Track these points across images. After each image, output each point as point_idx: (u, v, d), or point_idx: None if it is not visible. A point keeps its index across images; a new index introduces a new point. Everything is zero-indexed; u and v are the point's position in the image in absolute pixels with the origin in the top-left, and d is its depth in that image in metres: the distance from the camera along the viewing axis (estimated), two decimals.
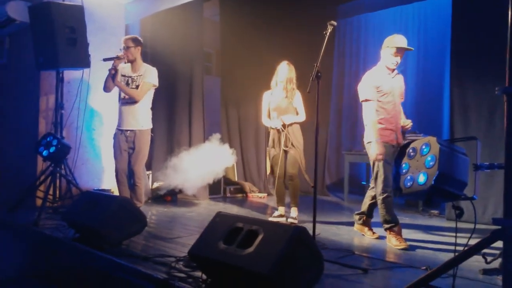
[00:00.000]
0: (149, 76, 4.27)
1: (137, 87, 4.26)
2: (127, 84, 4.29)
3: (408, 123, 3.73)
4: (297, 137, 4.50)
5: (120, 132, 4.32)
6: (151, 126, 4.40)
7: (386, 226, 3.57)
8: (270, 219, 4.56)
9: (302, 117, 4.55)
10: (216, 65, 8.33)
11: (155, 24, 6.48)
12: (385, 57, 3.68)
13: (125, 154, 4.29)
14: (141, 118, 4.28)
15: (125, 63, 4.28)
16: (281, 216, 4.60)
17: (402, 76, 3.82)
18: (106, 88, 4.32)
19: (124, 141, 4.29)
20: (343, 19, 7.63)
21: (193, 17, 6.26)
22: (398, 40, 3.62)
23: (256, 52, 6.71)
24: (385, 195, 3.52)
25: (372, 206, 3.82)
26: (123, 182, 4.33)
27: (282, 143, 4.46)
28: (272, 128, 4.58)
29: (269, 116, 4.66)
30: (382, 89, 3.60)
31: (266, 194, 6.60)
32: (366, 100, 3.62)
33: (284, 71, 4.55)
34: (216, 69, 8.31)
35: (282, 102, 4.54)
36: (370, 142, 3.59)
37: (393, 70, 3.69)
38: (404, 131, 3.75)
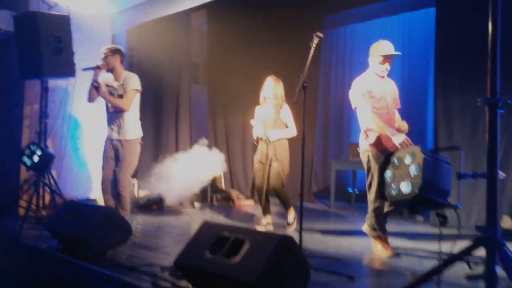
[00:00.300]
0: (130, 83, 4.26)
1: (119, 96, 4.25)
2: (111, 94, 4.29)
3: (404, 126, 3.59)
4: (281, 151, 4.48)
5: (108, 141, 4.32)
6: (139, 135, 4.36)
7: (373, 233, 3.58)
8: (257, 227, 4.55)
9: (291, 131, 4.51)
10: (203, 74, 8.35)
11: (142, 34, 6.48)
12: (373, 66, 3.61)
13: (111, 162, 4.27)
14: (128, 127, 4.26)
15: (106, 71, 4.28)
16: (268, 224, 4.59)
17: (393, 81, 3.77)
18: (90, 99, 4.31)
19: (111, 149, 4.28)
20: (330, 30, 7.73)
21: (181, 27, 6.28)
22: (384, 47, 3.54)
23: (243, 61, 6.75)
24: (377, 204, 3.52)
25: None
26: (108, 191, 4.30)
27: (267, 156, 4.44)
28: (260, 139, 4.57)
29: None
30: (374, 94, 3.52)
31: (253, 202, 6.59)
32: (357, 107, 3.57)
33: (270, 86, 4.56)
34: (204, 79, 8.32)
35: (270, 116, 4.55)
36: (366, 150, 3.52)
37: (383, 77, 3.63)
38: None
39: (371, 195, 3.48)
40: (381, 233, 3.54)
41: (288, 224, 4.49)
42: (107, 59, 4.25)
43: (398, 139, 3.19)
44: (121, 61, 4.34)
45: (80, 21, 5.23)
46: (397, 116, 3.74)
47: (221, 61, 6.89)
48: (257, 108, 4.73)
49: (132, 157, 4.30)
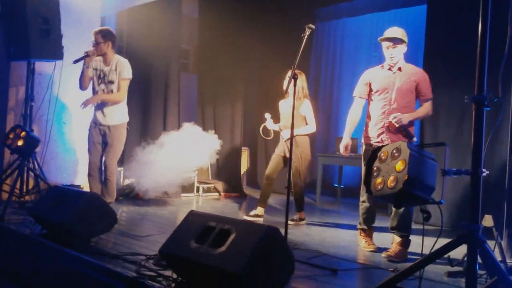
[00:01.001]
0: (123, 72, 4.24)
1: (110, 82, 4.20)
2: (99, 78, 4.23)
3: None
4: (300, 147, 4.49)
5: (94, 125, 4.29)
6: (126, 120, 4.36)
7: (358, 226, 3.64)
8: (245, 217, 4.57)
9: (309, 128, 4.55)
10: (193, 62, 8.28)
11: (131, 18, 6.39)
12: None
13: (98, 147, 4.26)
14: (115, 112, 4.24)
15: (96, 57, 4.25)
16: (257, 216, 4.60)
17: (416, 71, 3.48)
18: (82, 87, 4.31)
19: (98, 134, 4.25)
20: (322, 23, 7.71)
21: (171, 13, 6.20)
22: (384, 33, 3.50)
23: (234, 51, 6.71)
24: (362, 198, 3.57)
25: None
26: (95, 176, 4.29)
27: (282, 148, 4.55)
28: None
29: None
30: (373, 87, 3.52)
31: (239, 194, 6.60)
32: (354, 97, 3.63)
33: (287, 79, 4.58)
34: (193, 66, 8.25)
35: (289, 110, 4.57)
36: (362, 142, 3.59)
37: (394, 65, 3.45)
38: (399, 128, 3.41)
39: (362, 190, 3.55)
40: (365, 228, 3.59)
41: (292, 219, 4.50)
42: (99, 46, 4.20)
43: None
44: (112, 46, 4.28)
45: (68, 2, 5.11)
46: (420, 108, 3.52)
47: (211, 49, 6.83)
48: (280, 101, 4.79)
49: (119, 142, 4.29)
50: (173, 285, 2.34)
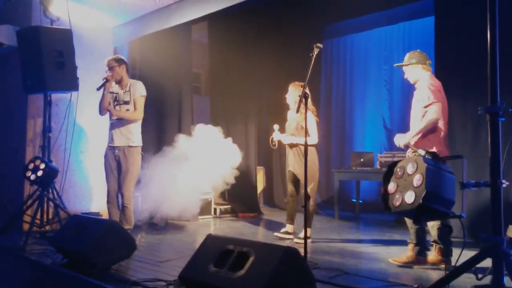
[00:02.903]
0: (137, 90, 4.38)
1: (125, 102, 4.34)
2: (115, 100, 4.36)
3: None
4: (303, 159, 4.48)
5: (110, 150, 4.34)
6: (141, 144, 4.40)
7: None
8: (275, 234, 4.54)
9: (310, 139, 4.43)
10: (205, 85, 8.39)
11: (143, 47, 6.53)
12: None
13: (115, 173, 4.32)
14: (131, 134, 4.30)
15: (115, 83, 4.38)
16: (287, 233, 4.57)
17: (419, 89, 3.63)
18: (101, 112, 4.39)
19: (113, 159, 4.31)
20: (330, 40, 7.77)
21: (182, 39, 6.33)
22: None
23: (244, 72, 6.79)
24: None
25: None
26: (113, 203, 4.32)
27: (290, 163, 4.60)
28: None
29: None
30: None
31: (256, 214, 6.57)
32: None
33: (289, 92, 4.67)
34: (205, 89, 8.37)
35: (292, 122, 4.62)
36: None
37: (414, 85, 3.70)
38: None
39: None
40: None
41: (296, 236, 4.47)
42: (114, 70, 4.34)
43: None
44: (127, 70, 4.45)
45: (82, 34, 5.27)
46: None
47: (222, 71, 6.93)
48: (288, 112, 4.86)
49: (135, 167, 4.32)
50: None
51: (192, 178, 5.21)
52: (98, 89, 4.32)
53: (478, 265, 2.09)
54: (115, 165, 4.30)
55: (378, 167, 6.00)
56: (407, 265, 3.41)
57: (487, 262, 2.05)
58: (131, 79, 4.50)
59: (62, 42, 4.58)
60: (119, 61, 4.40)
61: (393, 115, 7.17)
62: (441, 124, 3.43)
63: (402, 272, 3.28)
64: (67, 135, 5.03)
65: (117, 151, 4.29)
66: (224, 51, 6.85)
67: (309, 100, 4.59)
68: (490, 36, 2.04)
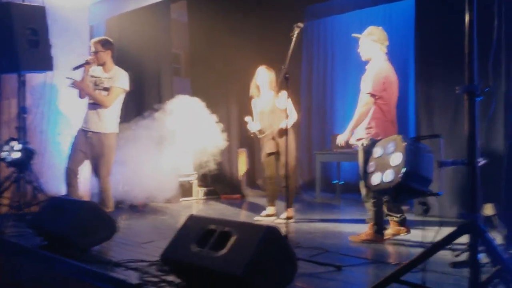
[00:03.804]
0: (119, 81, 4.20)
1: (104, 89, 4.17)
2: (95, 84, 4.21)
3: None
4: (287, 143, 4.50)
5: (82, 132, 4.22)
6: (117, 131, 4.31)
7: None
8: (256, 218, 4.55)
9: (292, 118, 4.47)
10: (185, 66, 8.26)
11: (121, 26, 6.35)
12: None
13: (80, 155, 4.19)
14: (107, 120, 4.20)
15: (96, 66, 4.23)
16: (268, 215, 4.59)
17: (373, 66, 3.72)
18: (81, 95, 4.25)
19: (84, 142, 4.19)
20: (311, 21, 7.71)
21: (161, 18, 6.19)
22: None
23: (225, 53, 6.71)
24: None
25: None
26: (74, 185, 4.20)
27: (268, 146, 4.56)
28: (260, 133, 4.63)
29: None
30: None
31: (239, 195, 6.59)
32: None
33: (263, 73, 4.57)
34: (185, 71, 8.24)
35: (266, 105, 4.56)
36: None
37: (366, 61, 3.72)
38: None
39: None
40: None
41: (278, 217, 4.50)
42: (98, 54, 4.17)
43: None
44: (111, 55, 4.27)
45: (56, 12, 5.07)
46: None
47: (202, 52, 6.82)
48: (252, 101, 4.77)
49: (111, 152, 4.26)
50: None
51: (173, 157, 5.16)
52: (75, 69, 4.16)
53: (455, 242, 2.15)
54: (86, 147, 4.18)
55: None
56: (366, 242, 3.54)
57: (464, 240, 2.11)
58: (116, 66, 4.33)
59: (35, 20, 4.44)
60: (105, 45, 4.21)
61: None
62: (385, 109, 3.54)
63: (381, 250, 3.35)
64: (43, 117, 4.91)
65: (90, 134, 4.18)
66: (204, 31, 6.74)
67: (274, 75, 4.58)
68: (468, 16, 2.06)
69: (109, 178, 4.27)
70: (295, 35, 3.28)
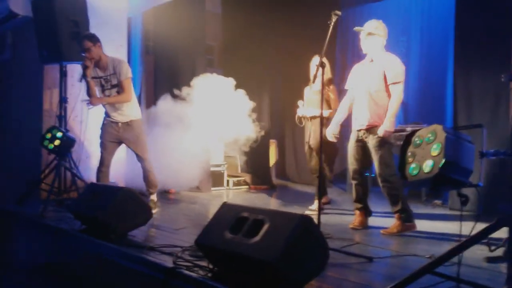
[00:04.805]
0: (123, 73, 4.10)
1: (113, 86, 4.14)
2: (102, 85, 4.16)
3: None
4: (316, 132, 4.53)
5: (110, 122, 4.21)
6: (140, 116, 4.34)
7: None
8: (307, 212, 4.53)
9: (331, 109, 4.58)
10: (218, 57, 8.32)
11: (157, 17, 6.47)
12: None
13: (112, 146, 4.23)
14: (129, 110, 4.21)
15: (94, 66, 4.09)
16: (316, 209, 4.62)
17: (389, 58, 3.73)
18: (91, 103, 4.14)
19: (113, 132, 4.19)
20: (347, 9, 7.58)
21: (195, 10, 6.24)
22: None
23: (258, 43, 6.69)
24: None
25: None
26: (106, 171, 4.22)
27: (307, 135, 4.68)
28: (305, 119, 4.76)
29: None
30: (352, 79, 3.88)
31: (268, 186, 6.61)
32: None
33: (312, 66, 4.61)
34: (218, 62, 8.30)
35: (313, 95, 4.62)
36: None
37: (367, 55, 3.80)
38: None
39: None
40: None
41: (309, 210, 4.51)
42: (90, 51, 4.01)
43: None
44: (102, 48, 4.13)
45: (96, 4, 5.22)
46: (391, 94, 3.73)
47: (235, 42, 6.83)
48: (306, 88, 4.85)
49: (143, 134, 4.31)
50: (209, 274, 2.38)
51: (206, 146, 5.21)
52: (80, 80, 4.08)
53: (492, 236, 2.09)
54: (115, 137, 4.20)
55: (392, 140, 5.95)
56: (399, 234, 3.55)
57: (501, 234, 2.05)
58: (110, 56, 4.20)
59: (77, 12, 4.58)
60: (93, 39, 4.03)
61: (409, 87, 7.04)
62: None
63: (414, 243, 3.30)
64: (82, 106, 5.08)
65: (120, 124, 4.19)
66: (238, 22, 6.74)
67: (328, 69, 4.58)
68: None
69: (149, 160, 4.31)
70: (332, 23, 3.23)
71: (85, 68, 4.04)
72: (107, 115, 4.27)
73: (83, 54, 4.03)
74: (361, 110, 3.74)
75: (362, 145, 3.76)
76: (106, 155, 4.23)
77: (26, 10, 4.91)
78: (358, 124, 3.76)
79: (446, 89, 6.26)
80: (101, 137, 4.27)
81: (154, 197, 4.38)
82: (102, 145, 4.26)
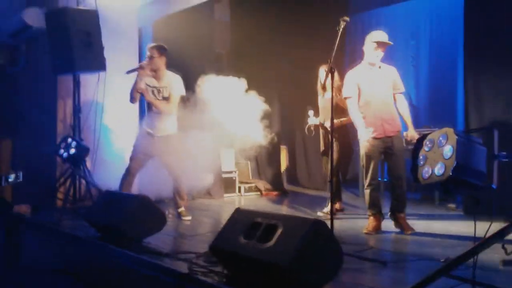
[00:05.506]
0: (176, 88, 4.22)
1: (164, 98, 4.22)
2: (153, 94, 4.25)
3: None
4: (340, 138, 4.69)
5: (147, 135, 4.22)
6: (177, 132, 4.39)
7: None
8: (319, 213, 4.60)
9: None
10: (227, 65, 8.38)
11: (167, 27, 6.55)
12: (367, 53, 3.91)
13: (143, 158, 4.23)
14: (170, 123, 4.28)
15: (149, 71, 4.21)
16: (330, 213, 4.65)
17: (392, 67, 3.96)
18: (132, 99, 4.27)
19: (148, 144, 4.19)
20: (355, 14, 7.60)
21: (204, 19, 6.33)
22: (377, 35, 3.88)
23: (266, 50, 6.74)
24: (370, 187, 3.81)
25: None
26: (130, 181, 4.25)
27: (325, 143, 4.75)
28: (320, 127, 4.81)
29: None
30: (362, 86, 3.82)
31: (280, 192, 6.61)
32: (348, 98, 3.84)
33: (321, 75, 4.65)
34: (227, 69, 8.35)
35: (328, 103, 4.62)
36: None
37: (375, 64, 3.86)
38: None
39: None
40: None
41: (322, 212, 4.53)
42: (153, 60, 4.15)
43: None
44: (166, 62, 4.27)
45: (107, 15, 5.30)
46: (402, 102, 3.95)
47: (244, 51, 6.90)
48: (319, 97, 4.88)
49: (179, 151, 4.29)
50: (224, 280, 2.40)
51: (217, 153, 5.23)
52: (128, 72, 4.21)
53: (507, 239, 2.08)
54: (151, 151, 4.19)
55: (404, 144, 5.93)
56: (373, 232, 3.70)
57: None
58: (169, 71, 4.31)
59: (89, 23, 4.67)
60: (161, 51, 4.18)
61: (420, 92, 7.02)
62: None
63: (428, 247, 3.28)
64: (96, 116, 5.16)
65: (156, 138, 4.20)
66: (246, 29, 6.81)
67: (336, 75, 4.59)
68: None
69: (181, 177, 4.31)
70: (341, 29, 3.26)
71: (140, 68, 4.16)
72: (148, 126, 4.27)
73: (147, 59, 4.18)
74: (384, 117, 3.77)
75: (383, 152, 3.81)
76: (134, 165, 4.25)
77: (40, 22, 5.02)
78: (382, 131, 3.77)
79: (457, 92, 6.23)
80: (134, 147, 4.29)
81: (183, 208, 4.42)
82: (133, 155, 4.27)
